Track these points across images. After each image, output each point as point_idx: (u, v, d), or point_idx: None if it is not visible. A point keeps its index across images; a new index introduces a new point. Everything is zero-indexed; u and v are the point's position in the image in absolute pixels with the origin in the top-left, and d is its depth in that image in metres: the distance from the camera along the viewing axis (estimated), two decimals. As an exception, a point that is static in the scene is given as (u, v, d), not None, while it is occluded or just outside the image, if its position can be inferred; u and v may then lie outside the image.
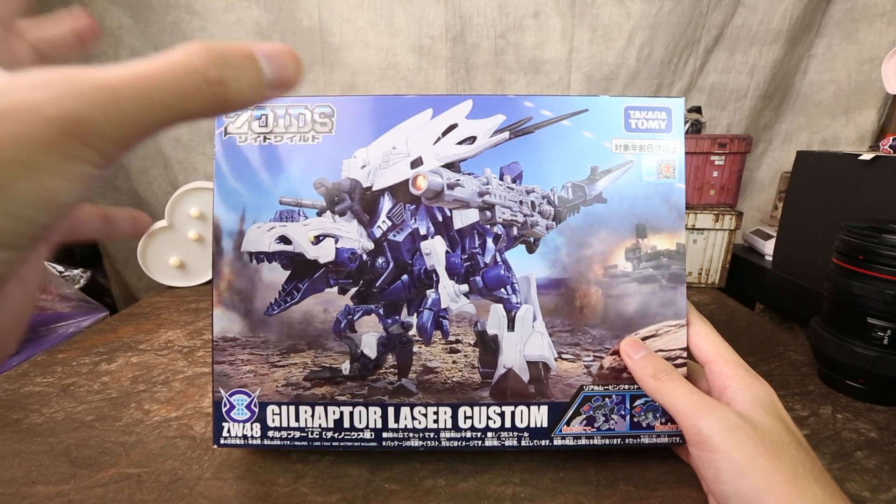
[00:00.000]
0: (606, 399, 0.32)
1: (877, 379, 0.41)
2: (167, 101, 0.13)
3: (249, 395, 0.32)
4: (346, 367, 0.32)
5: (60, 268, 0.73)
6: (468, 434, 0.32)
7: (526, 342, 0.32)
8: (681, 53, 0.87)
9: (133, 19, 0.82)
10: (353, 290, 0.32)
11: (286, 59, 0.14)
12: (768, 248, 0.78)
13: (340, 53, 0.86)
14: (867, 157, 0.57)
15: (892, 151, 0.63)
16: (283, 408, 0.32)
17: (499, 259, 0.33)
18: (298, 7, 0.83)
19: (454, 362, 0.32)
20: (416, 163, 0.32)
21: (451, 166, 0.32)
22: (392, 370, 0.32)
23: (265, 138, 0.32)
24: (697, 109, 0.83)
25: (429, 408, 0.32)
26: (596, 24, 0.85)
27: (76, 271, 0.75)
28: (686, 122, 0.79)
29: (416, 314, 0.32)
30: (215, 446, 0.32)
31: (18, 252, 0.13)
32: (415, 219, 0.32)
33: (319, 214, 0.32)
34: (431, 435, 0.32)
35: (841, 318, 0.44)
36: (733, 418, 0.25)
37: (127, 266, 0.94)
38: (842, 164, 0.62)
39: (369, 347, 0.32)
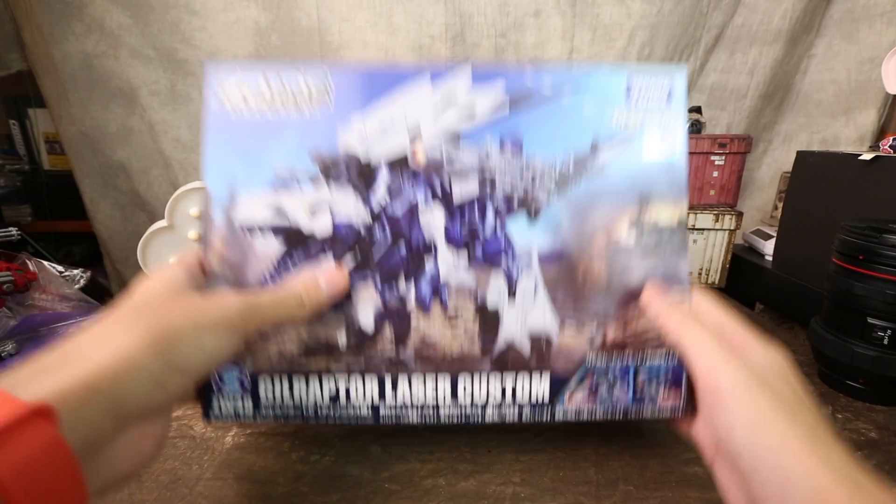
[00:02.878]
0: (608, 371, 0.31)
1: (877, 379, 0.41)
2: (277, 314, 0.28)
3: (240, 369, 0.30)
4: (342, 339, 0.31)
5: (60, 268, 0.73)
6: (468, 409, 0.31)
7: (527, 314, 0.31)
8: (681, 53, 0.87)
9: (133, 19, 0.82)
10: (350, 262, 0.31)
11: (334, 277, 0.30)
12: (768, 248, 0.78)
13: (339, 53, 0.86)
14: (867, 157, 0.57)
15: (892, 151, 0.63)
16: (276, 381, 0.30)
17: (499, 231, 0.32)
18: (297, 6, 0.83)
19: (453, 335, 0.31)
20: (416, 135, 0.31)
21: (451, 139, 0.31)
22: (390, 343, 0.31)
23: (259, 110, 0.31)
24: (697, 109, 0.83)
25: (427, 380, 0.31)
26: (596, 23, 0.85)
27: (76, 271, 0.74)
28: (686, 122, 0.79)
29: (414, 286, 0.31)
30: (205, 421, 0.31)
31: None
32: (414, 191, 0.31)
33: (315, 186, 0.31)
34: (430, 409, 0.31)
35: (841, 318, 0.44)
36: (753, 376, 0.24)
37: (127, 266, 0.95)
38: (842, 164, 0.62)
39: (366, 320, 0.31)
